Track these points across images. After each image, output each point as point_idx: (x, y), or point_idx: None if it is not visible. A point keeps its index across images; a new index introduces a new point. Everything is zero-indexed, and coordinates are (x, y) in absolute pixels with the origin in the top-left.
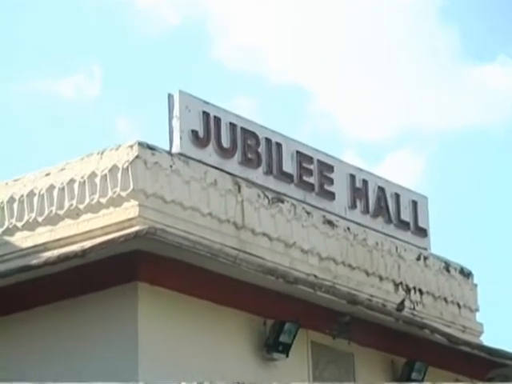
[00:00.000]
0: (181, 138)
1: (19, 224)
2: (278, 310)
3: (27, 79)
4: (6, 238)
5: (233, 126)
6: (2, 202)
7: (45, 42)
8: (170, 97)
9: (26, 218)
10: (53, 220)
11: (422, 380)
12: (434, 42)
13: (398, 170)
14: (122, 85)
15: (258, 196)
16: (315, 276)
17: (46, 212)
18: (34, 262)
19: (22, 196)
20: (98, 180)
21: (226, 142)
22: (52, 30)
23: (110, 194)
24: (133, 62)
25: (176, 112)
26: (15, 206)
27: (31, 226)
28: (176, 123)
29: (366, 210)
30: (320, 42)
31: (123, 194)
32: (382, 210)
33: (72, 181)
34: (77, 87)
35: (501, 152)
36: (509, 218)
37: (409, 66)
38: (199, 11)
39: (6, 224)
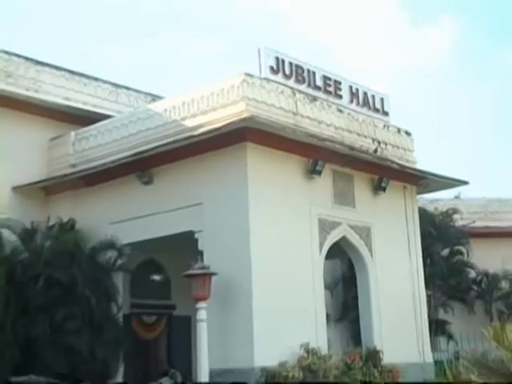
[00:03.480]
0: (265, 70)
1: (187, 115)
2: (315, 154)
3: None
4: (181, 122)
5: (290, 63)
6: (178, 104)
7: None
8: (259, 50)
9: (194, 111)
10: (203, 112)
11: (387, 186)
12: (399, 13)
13: (376, 85)
14: (240, 45)
15: (304, 98)
16: (333, 136)
17: (200, 108)
18: (195, 133)
19: (188, 100)
20: (224, 92)
21: (287, 71)
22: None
23: (230, 99)
24: (238, 35)
25: (262, 57)
26: (185, 106)
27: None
28: (262, 63)
29: (358, 103)
30: (332, 19)
31: (237, 99)
32: (366, 103)
33: (212, 93)
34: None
35: (435, 83)
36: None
37: (380, 30)
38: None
39: (181, 115)
